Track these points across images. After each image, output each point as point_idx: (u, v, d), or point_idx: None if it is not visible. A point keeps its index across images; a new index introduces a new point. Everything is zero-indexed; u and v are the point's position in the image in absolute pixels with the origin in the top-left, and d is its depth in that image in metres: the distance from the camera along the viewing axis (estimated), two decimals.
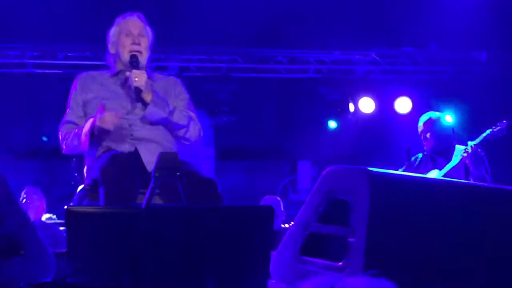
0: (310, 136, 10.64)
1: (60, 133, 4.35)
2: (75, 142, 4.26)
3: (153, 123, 4.29)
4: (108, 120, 4.13)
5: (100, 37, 4.56)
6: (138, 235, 3.14)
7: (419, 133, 6.40)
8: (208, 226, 3.36)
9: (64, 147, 4.35)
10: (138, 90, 4.25)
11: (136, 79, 4.23)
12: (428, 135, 6.30)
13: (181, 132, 4.40)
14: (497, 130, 6.06)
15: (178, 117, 4.35)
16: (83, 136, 4.19)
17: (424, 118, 6.39)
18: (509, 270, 3.40)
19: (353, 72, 10.48)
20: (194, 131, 4.43)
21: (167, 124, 4.32)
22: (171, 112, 4.32)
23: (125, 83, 4.31)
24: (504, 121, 6.05)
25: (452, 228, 3.34)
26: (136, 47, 4.35)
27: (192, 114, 4.47)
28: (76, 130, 4.27)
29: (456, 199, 3.46)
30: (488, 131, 6.08)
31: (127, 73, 4.29)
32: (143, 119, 4.27)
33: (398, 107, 10.37)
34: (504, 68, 9.81)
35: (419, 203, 3.31)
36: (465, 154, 6.03)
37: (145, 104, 4.27)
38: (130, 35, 4.37)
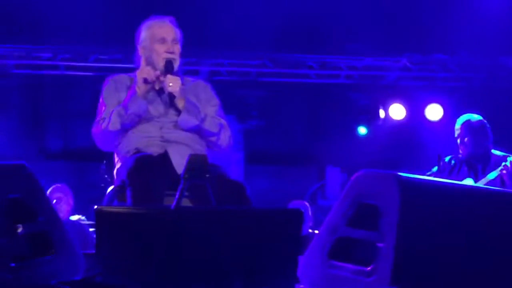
0: (339, 142, 10.61)
1: (95, 129, 4.33)
2: (116, 118, 4.22)
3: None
4: (147, 71, 4.28)
5: (131, 39, 4.56)
6: (167, 236, 3.15)
7: (456, 136, 6.18)
8: (236, 228, 3.37)
9: (101, 139, 4.31)
10: (171, 96, 4.28)
11: (171, 84, 4.25)
12: (466, 140, 6.11)
13: (212, 139, 4.40)
14: None
15: (210, 125, 4.36)
16: (130, 99, 4.23)
17: (462, 120, 6.16)
18: None
19: (384, 78, 10.44)
20: (225, 138, 4.44)
21: (198, 131, 4.33)
22: (203, 120, 4.33)
23: (160, 88, 4.31)
24: None
25: (483, 237, 3.31)
26: (170, 55, 4.35)
27: (223, 121, 4.47)
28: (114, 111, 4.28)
29: (490, 207, 3.43)
30: None
31: (161, 78, 4.30)
32: (176, 125, 4.29)
33: (429, 114, 10.31)
34: None
35: (449, 209, 3.28)
36: (504, 171, 5.90)
37: (177, 110, 4.29)
38: (164, 42, 4.36)
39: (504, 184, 5.93)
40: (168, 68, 4.32)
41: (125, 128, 4.27)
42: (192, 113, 4.29)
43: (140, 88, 4.26)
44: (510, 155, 6.05)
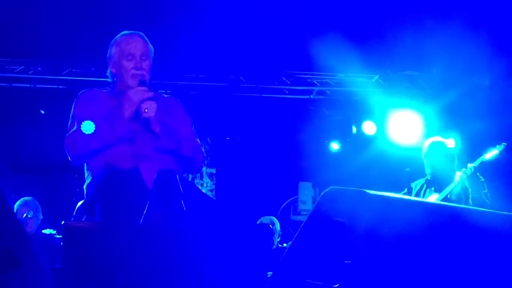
0: (312, 158, 10.63)
1: (69, 141, 4.23)
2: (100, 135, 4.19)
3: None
4: (141, 92, 4.18)
5: (104, 53, 4.54)
6: (135, 251, 3.15)
7: (423, 156, 6.50)
8: (206, 244, 3.37)
9: (75, 150, 4.23)
10: (147, 121, 4.24)
11: (146, 110, 4.20)
12: (431, 160, 6.39)
13: (187, 163, 4.39)
14: (496, 151, 6.14)
15: (186, 148, 4.34)
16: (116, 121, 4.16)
17: (427, 143, 6.50)
18: None
19: (356, 94, 10.47)
20: (199, 161, 4.45)
21: (175, 154, 4.31)
22: (179, 144, 4.30)
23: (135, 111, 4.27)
24: (504, 143, 6.13)
25: (449, 252, 3.34)
26: (138, 72, 4.31)
27: (197, 142, 4.46)
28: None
29: (455, 224, 3.47)
30: (485, 153, 6.18)
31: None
32: (147, 141, 4.25)
33: (401, 130, 10.34)
34: (508, 94, 9.82)
35: (417, 226, 3.31)
36: (464, 176, 6.10)
37: (152, 132, 4.25)
38: (132, 59, 4.33)
39: (468, 194, 6.09)
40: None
41: (107, 147, 4.22)
42: (168, 137, 4.27)
43: (128, 110, 4.19)
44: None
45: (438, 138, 6.57)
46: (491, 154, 6.19)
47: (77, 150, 4.24)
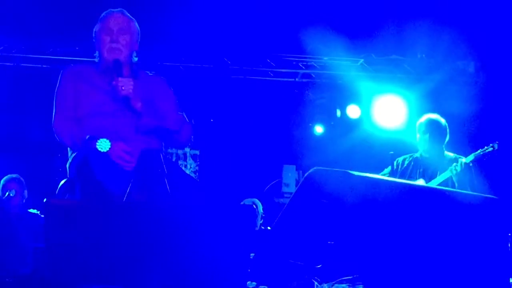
0: (296, 141, 10.64)
1: (61, 129, 4.27)
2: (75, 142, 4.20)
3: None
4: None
5: (89, 32, 4.53)
6: (117, 229, 3.14)
7: (416, 132, 6.43)
8: (189, 224, 3.36)
9: (71, 141, 4.26)
10: (126, 98, 4.22)
11: (123, 87, 4.20)
12: (424, 137, 6.33)
13: (174, 136, 4.37)
14: (489, 150, 6.14)
15: (170, 122, 4.33)
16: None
17: (424, 118, 6.42)
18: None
19: (341, 78, 10.46)
20: (186, 132, 4.43)
21: (159, 130, 4.29)
22: (163, 119, 4.29)
23: (113, 90, 4.25)
24: (496, 142, 6.13)
25: (431, 231, 3.36)
26: (114, 45, 4.31)
27: (182, 115, 4.44)
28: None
29: (438, 205, 3.49)
30: (480, 151, 6.16)
31: (114, 82, 4.24)
32: (131, 123, 4.23)
33: (385, 114, 10.35)
34: (492, 79, 9.85)
35: (399, 207, 3.32)
36: (454, 171, 6.08)
37: (135, 111, 4.23)
38: (110, 33, 4.33)
39: (454, 184, 6.09)
40: (117, 68, 4.26)
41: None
42: (150, 114, 4.25)
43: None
44: (462, 156, 6.23)
45: (434, 115, 6.48)
46: (484, 152, 6.18)
47: (71, 140, 4.23)
